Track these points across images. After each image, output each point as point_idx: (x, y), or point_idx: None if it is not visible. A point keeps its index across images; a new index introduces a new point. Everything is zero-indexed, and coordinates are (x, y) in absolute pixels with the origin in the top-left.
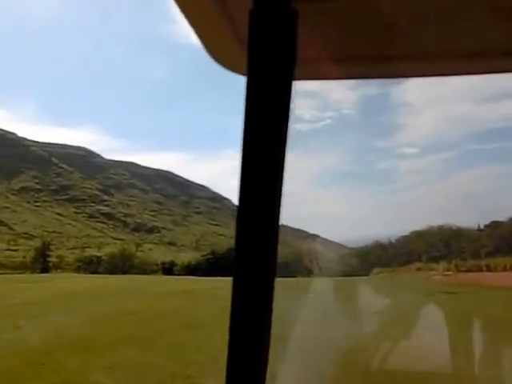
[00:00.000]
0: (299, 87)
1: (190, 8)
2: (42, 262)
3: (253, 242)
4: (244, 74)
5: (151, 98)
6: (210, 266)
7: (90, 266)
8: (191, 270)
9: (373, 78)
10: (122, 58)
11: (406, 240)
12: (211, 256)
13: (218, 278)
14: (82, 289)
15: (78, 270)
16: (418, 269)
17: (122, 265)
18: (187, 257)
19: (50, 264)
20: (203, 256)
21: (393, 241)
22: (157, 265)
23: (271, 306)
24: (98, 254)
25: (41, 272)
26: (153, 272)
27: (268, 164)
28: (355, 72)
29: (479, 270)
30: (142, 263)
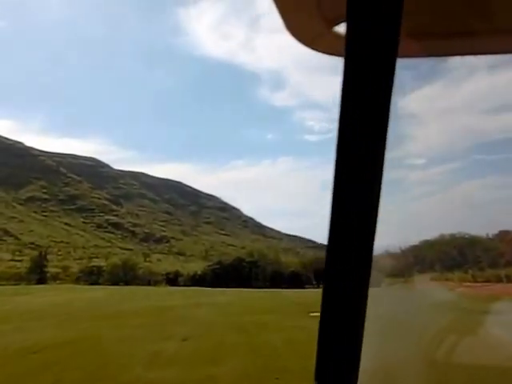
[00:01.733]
0: (308, 100)
1: None
2: (38, 273)
3: (347, 245)
4: (331, 54)
5: (160, 109)
6: (216, 277)
7: (91, 276)
8: (197, 280)
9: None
10: (132, 69)
11: (417, 249)
12: (217, 266)
13: (218, 289)
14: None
15: (77, 280)
16: (433, 279)
17: (124, 275)
18: (195, 267)
19: (48, 275)
20: (209, 266)
21: (403, 250)
22: (162, 275)
23: (364, 316)
24: (100, 265)
25: (37, 283)
26: (157, 283)
27: (366, 156)
28: (447, 48)
29: (499, 280)
30: (146, 273)
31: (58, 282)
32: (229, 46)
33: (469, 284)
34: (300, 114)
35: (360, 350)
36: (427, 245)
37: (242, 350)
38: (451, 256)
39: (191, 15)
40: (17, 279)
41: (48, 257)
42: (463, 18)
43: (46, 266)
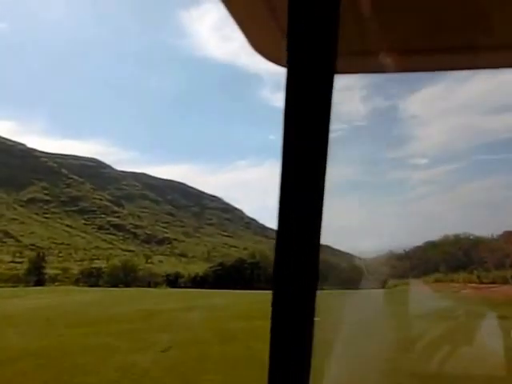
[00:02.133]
0: None
1: (237, 3)
2: (36, 275)
3: (294, 253)
4: (280, 65)
5: (162, 110)
6: (217, 278)
7: (90, 278)
8: (198, 282)
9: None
10: (133, 71)
11: (421, 250)
12: (219, 267)
13: (218, 290)
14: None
15: (77, 282)
16: (437, 280)
17: (124, 277)
18: (197, 268)
19: (47, 276)
20: (211, 268)
21: (407, 251)
22: (162, 276)
23: (313, 319)
24: (100, 266)
25: (35, 285)
26: (157, 284)
27: (309, 157)
28: (401, 65)
29: (505, 281)
30: (146, 275)
31: (56, 283)
32: (230, 48)
33: (474, 285)
34: None
35: (311, 351)
36: (431, 246)
37: (228, 364)
38: (456, 257)
39: (193, 17)
40: (15, 281)
41: (49, 258)
42: (440, 34)
43: (44, 268)
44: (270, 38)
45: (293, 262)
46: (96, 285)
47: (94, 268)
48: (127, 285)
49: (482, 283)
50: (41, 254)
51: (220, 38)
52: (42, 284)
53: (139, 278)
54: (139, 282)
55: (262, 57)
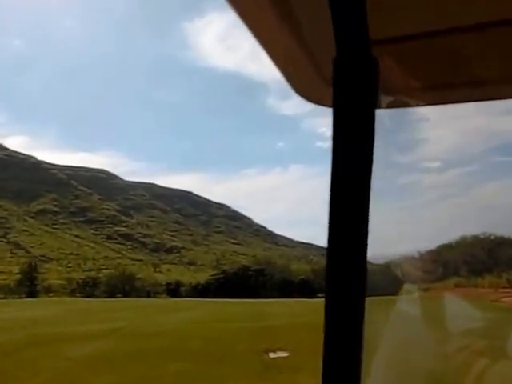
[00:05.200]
0: (317, 107)
1: (276, 49)
2: (28, 286)
3: (344, 263)
4: (328, 106)
5: (170, 120)
6: (220, 286)
7: (86, 288)
8: (200, 290)
9: (448, 103)
10: (141, 83)
11: (436, 253)
12: (222, 275)
13: (213, 299)
14: None
15: (72, 293)
16: (457, 285)
17: (122, 287)
18: (205, 277)
19: (39, 287)
20: (213, 276)
21: (422, 254)
22: (162, 286)
23: (362, 326)
24: (96, 276)
25: (27, 296)
26: (157, 294)
27: (356, 189)
28: (432, 98)
29: None
30: (146, 284)
31: (51, 294)
32: (235, 57)
33: (508, 291)
34: (310, 121)
35: (361, 358)
36: (447, 248)
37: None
38: (478, 259)
39: (198, 29)
40: (6, 292)
41: (56, 268)
42: (451, 72)
43: (36, 279)
44: (312, 82)
45: (343, 271)
46: (92, 295)
47: (90, 278)
48: (126, 295)
49: None
50: (33, 264)
51: (225, 49)
52: (33, 295)
53: (139, 288)
54: (139, 291)
55: (303, 99)
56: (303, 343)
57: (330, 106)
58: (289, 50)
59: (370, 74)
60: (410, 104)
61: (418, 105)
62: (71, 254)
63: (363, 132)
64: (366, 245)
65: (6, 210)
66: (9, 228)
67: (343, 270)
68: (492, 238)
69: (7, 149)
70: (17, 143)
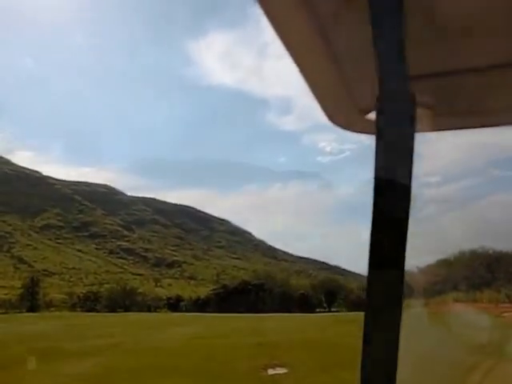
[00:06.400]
0: (318, 123)
1: (315, 80)
2: (29, 300)
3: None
4: (360, 132)
5: (172, 136)
6: (220, 301)
7: (87, 303)
8: (200, 305)
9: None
10: (144, 99)
11: (434, 268)
12: (222, 290)
13: (210, 314)
14: None
15: (73, 307)
16: (456, 300)
17: (122, 301)
18: (206, 291)
19: (41, 302)
20: (213, 290)
21: (420, 269)
22: (162, 300)
23: (398, 339)
24: (97, 291)
25: (27, 311)
26: (157, 308)
27: (397, 210)
28: (459, 123)
29: None
30: (147, 299)
31: (52, 309)
32: (237, 74)
33: (509, 306)
34: (310, 136)
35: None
36: (445, 263)
37: None
38: (477, 274)
39: (200, 46)
40: (7, 307)
41: (59, 283)
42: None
43: (37, 293)
44: (347, 112)
45: (384, 285)
46: (93, 309)
47: (91, 292)
48: (126, 309)
49: None
50: (34, 279)
51: (227, 65)
52: (34, 310)
53: (139, 302)
54: (139, 305)
55: (338, 127)
56: (302, 359)
57: (365, 133)
58: (327, 79)
59: (409, 108)
60: (428, 130)
61: (435, 130)
62: (73, 268)
63: (404, 160)
64: (404, 257)
65: (11, 224)
66: (13, 243)
67: (384, 282)
68: (491, 252)
69: (13, 164)
70: (22, 158)
